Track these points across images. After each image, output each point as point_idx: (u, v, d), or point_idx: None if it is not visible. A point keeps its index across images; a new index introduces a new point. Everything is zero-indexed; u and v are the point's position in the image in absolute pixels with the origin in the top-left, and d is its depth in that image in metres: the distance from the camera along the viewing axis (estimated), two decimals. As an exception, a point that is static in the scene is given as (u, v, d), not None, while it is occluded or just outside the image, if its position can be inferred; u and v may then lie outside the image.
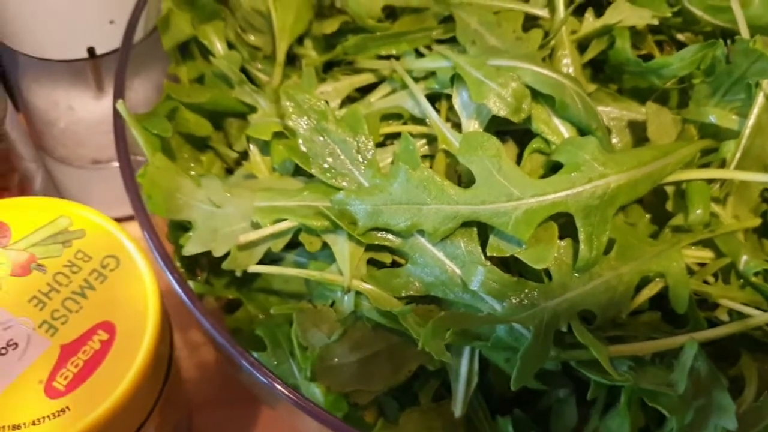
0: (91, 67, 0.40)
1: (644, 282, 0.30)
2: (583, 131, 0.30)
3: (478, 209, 0.27)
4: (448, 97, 0.33)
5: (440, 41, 0.36)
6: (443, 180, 0.27)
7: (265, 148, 0.33)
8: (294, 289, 0.33)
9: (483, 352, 0.29)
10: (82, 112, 0.39)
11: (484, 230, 0.29)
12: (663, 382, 0.27)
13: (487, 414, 0.31)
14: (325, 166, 0.30)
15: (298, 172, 0.32)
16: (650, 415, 0.29)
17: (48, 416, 0.27)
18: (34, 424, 0.27)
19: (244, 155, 0.35)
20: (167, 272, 0.29)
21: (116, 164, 0.31)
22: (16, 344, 0.28)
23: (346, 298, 0.29)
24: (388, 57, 0.36)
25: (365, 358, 0.29)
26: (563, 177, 0.27)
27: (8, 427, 0.27)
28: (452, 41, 0.35)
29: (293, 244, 0.31)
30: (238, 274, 0.30)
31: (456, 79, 0.32)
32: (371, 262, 0.30)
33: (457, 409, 0.30)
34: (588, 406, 0.33)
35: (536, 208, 0.27)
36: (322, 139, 0.30)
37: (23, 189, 0.42)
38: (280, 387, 0.27)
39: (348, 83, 0.36)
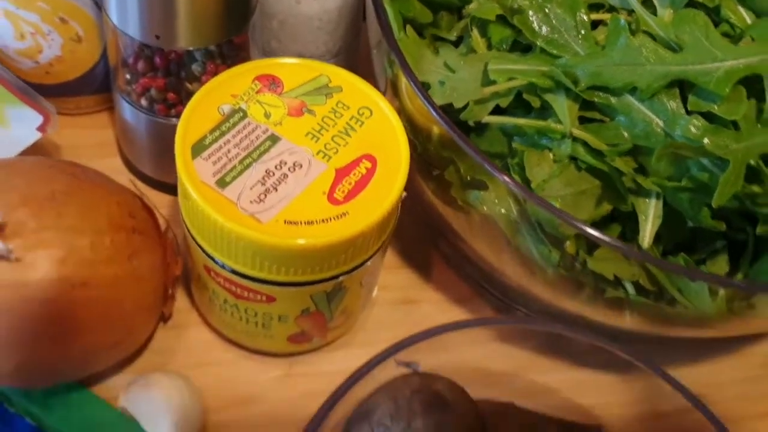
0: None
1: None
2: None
3: (687, 69, 0.33)
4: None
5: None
6: (657, 44, 0.34)
7: (482, 29, 0.39)
8: (497, 150, 0.40)
9: (668, 197, 0.36)
10: (304, 7, 0.46)
11: (683, 92, 0.35)
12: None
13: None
14: (549, 38, 0.36)
15: (512, 49, 0.39)
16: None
17: (332, 218, 0.34)
18: (322, 222, 0.34)
19: (455, 42, 0.42)
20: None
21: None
22: (300, 165, 0.35)
23: (563, 144, 0.36)
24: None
25: (574, 193, 0.36)
26: (757, 46, 0.33)
27: (303, 222, 0.34)
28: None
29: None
30: (472, 124, 0.37)
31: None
32: (581, 120, 0.37)
33: (645, 241, 0.36)
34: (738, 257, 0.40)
35: (734, 69, 0.33)
36: (545, 17, 0.37)
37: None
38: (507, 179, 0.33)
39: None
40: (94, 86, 0.48)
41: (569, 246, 0.36)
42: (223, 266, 0.35)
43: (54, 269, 0.33)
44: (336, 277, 0.36)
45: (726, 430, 0.36)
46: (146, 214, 0.39)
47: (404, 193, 0.37)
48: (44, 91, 0.46)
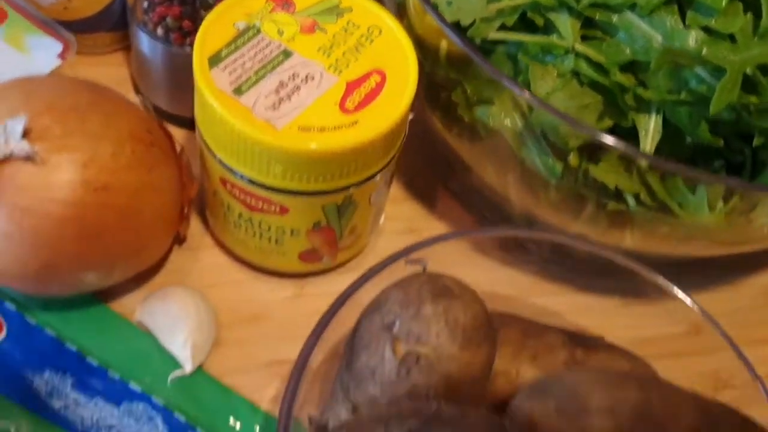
0: None
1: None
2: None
3: (685, -18, 0.35)
4: None
5: None
6: (656, -40, 0.35)
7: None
8: (503, 71, 0.41)
9: (667, 111, 0.37)
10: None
11: (681, 9, 0.37)
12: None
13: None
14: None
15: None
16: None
17: (344, 125, 0.35)
18: (334, 129, 0.35)
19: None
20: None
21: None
22: (312, 77, 0.37)
23: (566, 60, 0.37)
24: None
25: (577, 107, 0.37)
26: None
27: (316, 129, 0.35)
28: None
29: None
30: (478, 42, 0.38)
31: None
32: (583, 39, 0.38)
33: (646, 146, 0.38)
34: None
35: (731, -18, 0.35)
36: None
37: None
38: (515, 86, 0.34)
39: None
40: (111, 23, 0.50)
41: (573, 158, 0.38)
42: (239, 176, 0.37)
43: (77, 172, 0.34)
44: (346, 188, 0.37)
45: (736, 347, 0.37)
46: (163, 133, 0.40)
47: (412, 114, 0.38)
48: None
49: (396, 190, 0.50)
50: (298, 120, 0.35)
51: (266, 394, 0.41)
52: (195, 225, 0.46)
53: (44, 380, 0.38)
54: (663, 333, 0.43)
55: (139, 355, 0.40)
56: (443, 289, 0.32)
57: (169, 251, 0.44)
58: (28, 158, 0.34)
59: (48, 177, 0.34)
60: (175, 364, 0.40)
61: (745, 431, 0.33)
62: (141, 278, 0.43)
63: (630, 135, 0.39)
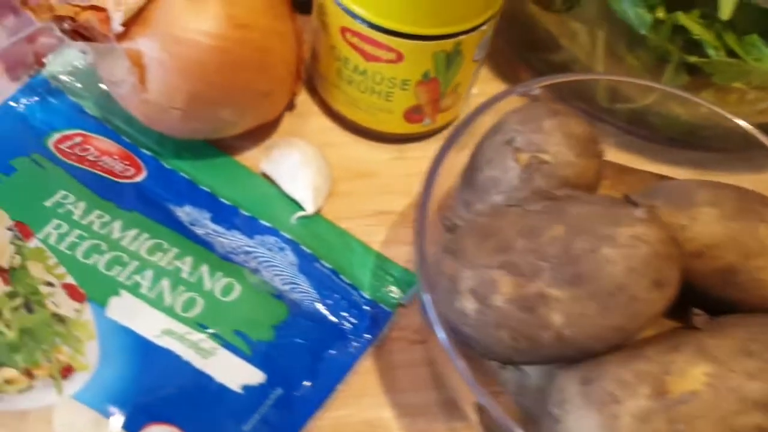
0: None
1: None
2: None
3: None
4: None
5: None
6: None
7: None
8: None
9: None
10: None
11: None
12: None
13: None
14: None
15: None
16: None
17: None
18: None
19: None
20: None
21: None
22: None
23: None
24: None
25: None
26: None
27: (436, -24, 0.39)
28: None
29: None
30: None
31: None
32: None
33: (724, 13, 0.41)
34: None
35: None
36: None
37: None
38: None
39: None
40: None
41: (660, 11, 0.41)
42: (360, 20, 0.40)
43: (223, 8, 0.38)
44: (457, 34, 0.41)
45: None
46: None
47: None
48: None
49: (483, 70, 0.54)
50: (417, -37, 0.39)
51: (376, 239, 0.45)
52: (302, 94, 0.50)
53: (185, 212, 0.42)
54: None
55: (264, 200, 0.44)
56: (558, 109, 0.36)
57: (282, 115, 0.48)
58: (181, -7, 0.38)
59: (198, 10, 0.38)
60: (297, 208, 0.44)
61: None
62: (258, 138, 0.47)
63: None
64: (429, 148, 0.49)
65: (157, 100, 0.39)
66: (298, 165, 0.44)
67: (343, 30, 0.42)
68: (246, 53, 0.40)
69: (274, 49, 0.41)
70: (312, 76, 0.49)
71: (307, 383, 0.38)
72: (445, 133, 0.50)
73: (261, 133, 0.47)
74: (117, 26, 0.37)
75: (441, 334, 0.32)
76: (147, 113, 0.41)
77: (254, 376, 0.37)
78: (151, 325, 0.36)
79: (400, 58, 0.42)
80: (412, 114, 0.46)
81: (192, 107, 0.40)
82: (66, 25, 0.39)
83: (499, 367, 0.37)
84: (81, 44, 0.38)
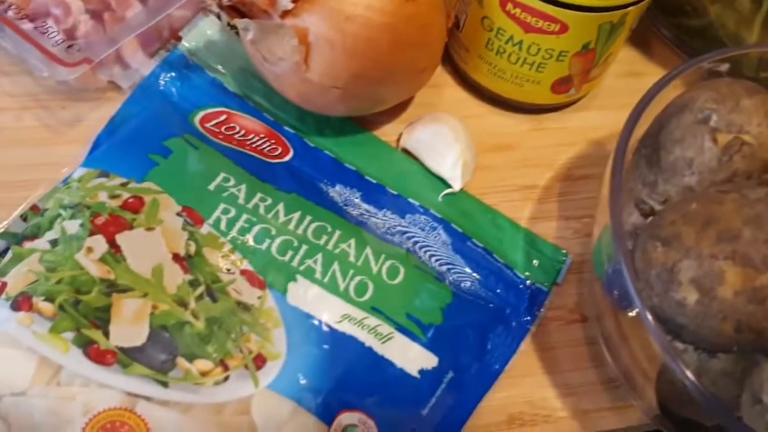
0: None
1: None
2: None
3: None
4: None
5: None
6: None
7: None
8: None
9: None
10: None
11: None
12: None
13: None
14: None
15: None
16: None
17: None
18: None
19: None
20: None
21: None
22: None
23: None
24: None
25: None
26: None
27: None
28: None
29: None
30: None
31: None
32: None
33: None
34: None
35: None
36: None
37: None
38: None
39: None
40: None
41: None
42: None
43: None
44: (627, 6, 0.39)
45: None
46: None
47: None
48: None
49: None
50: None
51: (522, 215, 0.44)
52: (435, 64, 0.49)
53: (337, 192, 0.41)
54: None
55: (407, 177, 0.43)
56: (753, 86, 0.34)
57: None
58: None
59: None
60: (441, 185, 0.43)
61: None
62: (394, 112, 0.46)
63: None
64: (567, 119, 0.48)
65: (319, 79, 0.38)
66: (447, 140, 0.43)
67: (504, 2, 0.40)
68: (412, 30, 0.38)
69: (435, 25, 0.39)
70: (447, 47, 0.47)
71: (475, 366, 0.38)
72: (584, 103, 0.49)
73: (397, 106, 0.46)
74: (286, 2, 0.36)
75: (649, 323, 0.31)
76: (304, 92, 0.39)
77: (429, 360, 0.37)
78: (331, 310, 0.36)
79: (564, 29, 0.40)
80: (560, 85, 0.44)
81: (353, 86, 0.39)
82: (225, 1, 0.37)
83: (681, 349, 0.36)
84: (244, 21, 0.37)
